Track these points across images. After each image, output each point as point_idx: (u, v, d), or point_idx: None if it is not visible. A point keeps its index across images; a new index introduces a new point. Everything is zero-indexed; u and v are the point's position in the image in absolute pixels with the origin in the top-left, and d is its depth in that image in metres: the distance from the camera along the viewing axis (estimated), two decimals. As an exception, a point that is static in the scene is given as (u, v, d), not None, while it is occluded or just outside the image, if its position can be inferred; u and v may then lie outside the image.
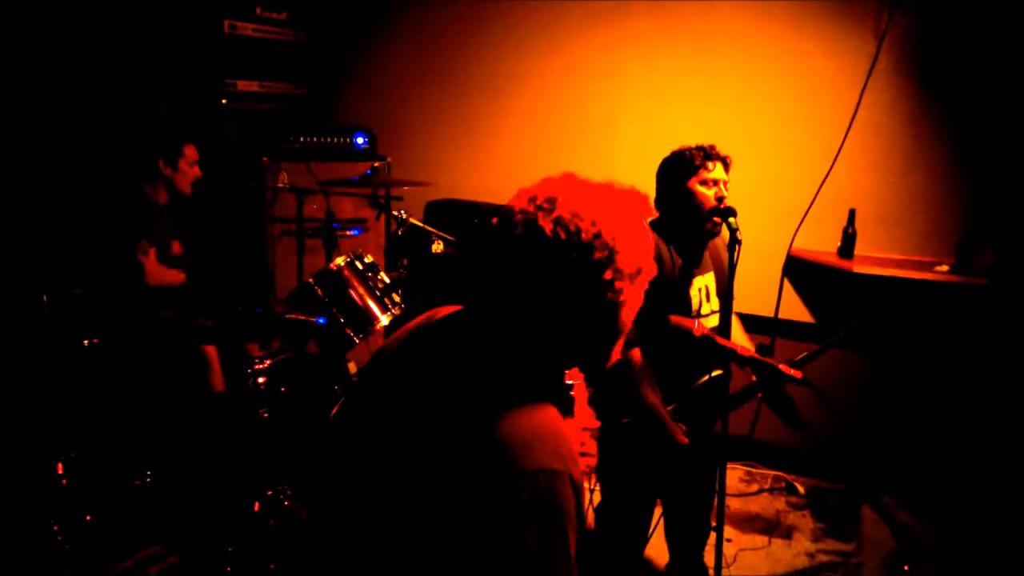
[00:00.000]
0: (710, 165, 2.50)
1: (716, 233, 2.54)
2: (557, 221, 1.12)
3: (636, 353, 2.42)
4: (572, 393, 1.53)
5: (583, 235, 1.12)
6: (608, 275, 1.13)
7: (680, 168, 2.51)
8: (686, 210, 2.49)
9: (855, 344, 3.81)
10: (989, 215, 3.64)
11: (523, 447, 1.07)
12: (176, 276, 3.58)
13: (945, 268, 3.57)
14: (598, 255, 1.12)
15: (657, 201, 2.59)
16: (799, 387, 2.46)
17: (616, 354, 1.25)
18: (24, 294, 2.94)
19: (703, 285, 2.57)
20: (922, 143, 3.76)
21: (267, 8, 4.40)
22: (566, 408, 1.37)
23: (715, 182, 2.49)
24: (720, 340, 2.41)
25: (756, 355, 2.41)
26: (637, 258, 1.17)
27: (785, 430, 3.98)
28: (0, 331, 3.04)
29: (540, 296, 1.14)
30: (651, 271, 1.20)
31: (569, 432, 1.16)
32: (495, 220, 1.19)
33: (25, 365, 2.97)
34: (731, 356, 2.41)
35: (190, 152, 3.57)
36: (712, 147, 2.54)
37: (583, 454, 1.61)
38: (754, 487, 4.01)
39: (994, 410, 3.55)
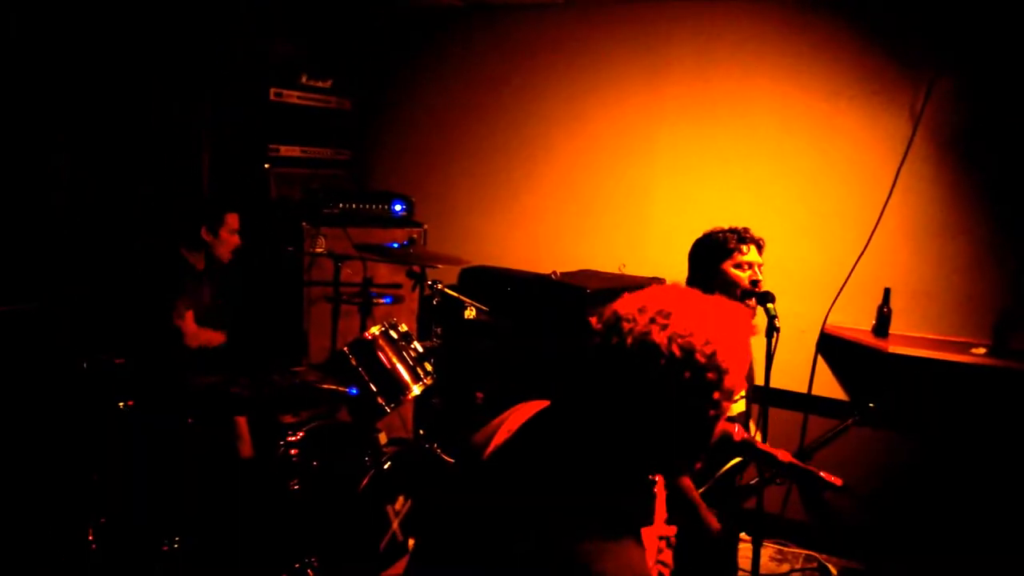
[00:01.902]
0: (744, 248, 2.50)
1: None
2: (672, 338, 1.12)
3: None
4: (655, 490, 1.53)
5: (697, 355, 1.12)
6: (716, 395, 1.14)
7: (714, 251, 2.51)
8: (720, 293, 2.50)
9: (883, 423, 3.76)
10: (1028, 297, 3.59)
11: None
12: (216, 337, 3.64)
13: (982, 351, 3.51)
14: (711, 376, 1.12)
15: (689, 281, 2.60)
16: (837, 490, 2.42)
17: (700, 464, 1.28)
18: (64, 360, 3.00)
19: None
20: (959, 222, 3.73)
21: (313, 76, 4.55)
22: (648, 512, 1.37)
23: (749, 265, 2.50)
24: (760, 445, 2.39)
25: (797, 462, 2.37)
26: (741, 377, 1.17)
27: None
28: (40, 396, 3.10)
29: (647, 410, 1.13)
30: (744, 387, 1.21)
31: (647, 564, 1.15)
32: (597, 325, 1.19)
33: (61, 428, 3.02)
34: (771, 462, 2.39)
35: (232, 220, 3.63)
36: (746, 230, 2.54)
37: (659, 562, 1.59)
38: (785, 567, 3.91)
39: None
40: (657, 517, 1.75)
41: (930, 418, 3.73)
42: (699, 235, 2.65)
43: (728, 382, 1.14)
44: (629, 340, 1.13)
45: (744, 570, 3.78)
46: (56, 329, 3.47)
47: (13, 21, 3.47)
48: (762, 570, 3.78)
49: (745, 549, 3.91)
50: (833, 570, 3.85)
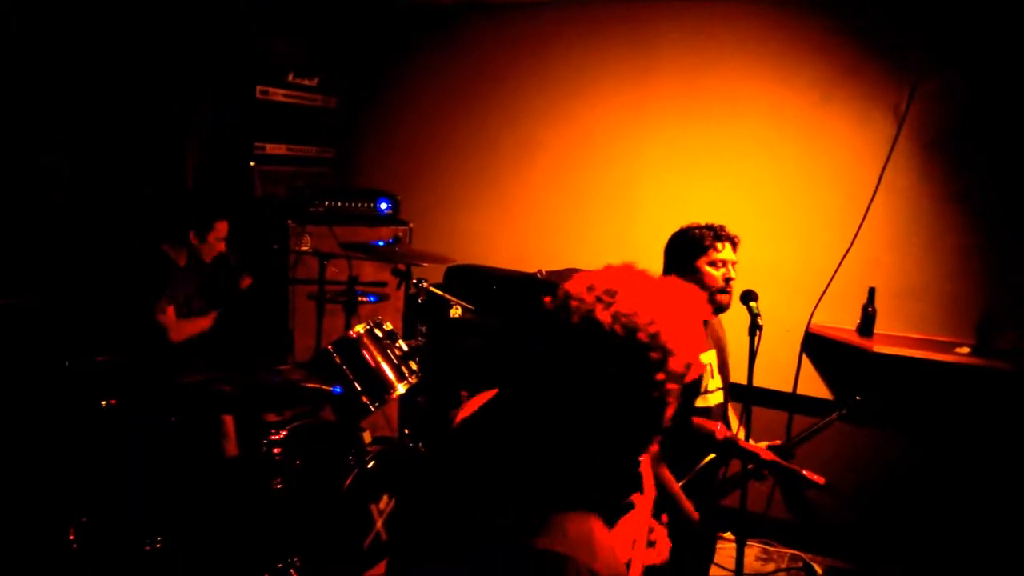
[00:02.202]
0: (719, 246, 2.52)
1: (725, 308, 2.55)
2: (616, 316, 1.11)
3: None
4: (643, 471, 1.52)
5: (640, 334, 1.11)
6: (660, 376, 1.12)
7: (690, 247, 2.53)
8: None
9: (868, 421, 3.77)
10: (1012, 297, 3.61)
11: (559, 561, 1.06)
12: (200, 324, 3.63)
13: (966, 350, 3.53)
14: (653, 356, 1.11)
15: (665, 274, 2.61)
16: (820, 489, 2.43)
17: (651, 449, 1.24)
18: (48, 358, 2.98)
19: (707, 362, 2.58)
20: (944, 222, 3.75)
21: (299, 74, 4.53)
22: (615, 491, 1.36)
23: (724, 263, 2.52)
24: (742, 443, 2.39)
25: (779, 460, 2.38)
26: (689, 360, 1.16)
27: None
28: (23, 394, 3.08)
29: (590, 389, 1.12)
30: (698, 371, 1.20)
31: (610, 542, 1.13)
32: (548, 303, 1.19)
33: (43, 427, 2.99)
34: (753, 460, 2.40)
35: (221, 228, 3.65)
36: (722, 228, 2.56)
37: (651, 543, 1.60)
38: (771, 566, 3.92)
39: (1008, 496, 3.49)
40: (646, 499, 1.74)
41: (915, 417, 3.75)
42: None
43: (673, 364, 1.12)
44: (575, 318, 1.12)
45: (728, 569, 3.80)
46: (41, 326, 3.44)
47: (13, 24, 3.45)
48: (747, 570, 3.80)
49: (729, 548, 3.93)
50: (819, 569, 3.86)
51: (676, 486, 2.39)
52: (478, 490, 1.16)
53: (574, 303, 1.14)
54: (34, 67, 3.59)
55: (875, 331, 3.77)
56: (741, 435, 2.53)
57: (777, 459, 2.36)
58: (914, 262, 3.80)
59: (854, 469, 3.82)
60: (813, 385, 4.01)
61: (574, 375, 1.13)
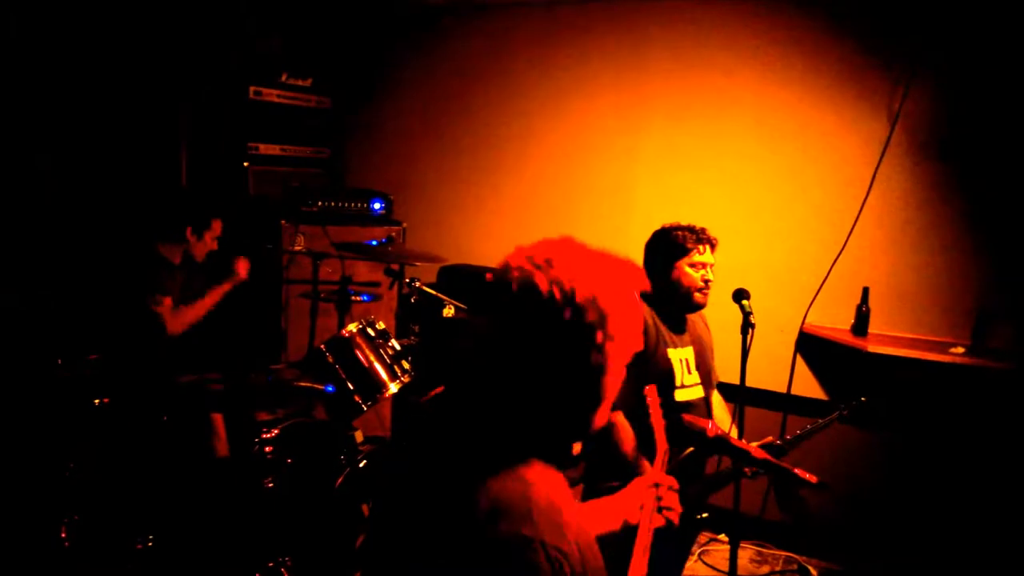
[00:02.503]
0: (700, 248, 2.57)
1: (702, 306, 2.60)
2: (553, 280, 1.13)
3: (619, 416, 2.42)
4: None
5: (578, 296, 1.12)
6: (598, 338, 1.14)
7: (671, 248, 2.58)
8: (672, 287, 2.57)
9: (862, 420, 3.77)
10: (1007, 296, 3.61)
11: (495, 516, 1.07)
12: (201, 307, 3.60)
13: (961, 350, 3.53)
14: (591, 316, 1.13)
15: (645, 271, 2.64)
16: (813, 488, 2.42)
17: (599, 422, 1.24)
18: (40, 357, 2.97)
19: (684, 357, 2.63)
20: (937, 221, 3.74)
21: (293, 75, 4.53)
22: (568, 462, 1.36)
23: (703, 265, 2.56)
24: (734, 441, 2.38)
25: (770, 458, 2.37)
26: (627, 326, 1.18)
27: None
28: (14, 392, 3.07)
29: (530, 353, 1.14)
30: (638, 343, 1.21)
31: (556, 496, 1.13)
32: (489, 276, 1.21)
33: (35, 425, 2.98)
34: (745, 458, 2.38)
35: (217, 226, 3.64)
36: (703, 230, 2.60)
37: (665, 508, 1.64)
38: (765, 568, 3.91)
39: (1003, 495, 3.48)
40: (656, 462, 1.75)
41: (909, 417, 3.74)
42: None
43: (612, 327, 1.14)
44: (514, 286, 1.14)
45: (722, 571, 3.79)
46: (34, 325, 3.43)
47: (9, 23, 3.45)
48: (741, 571, 3.80)
49: (723, 550, 3.93)
50: (813, 572, 3.85)
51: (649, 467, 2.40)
52: (436, 471, 1.19)
53: (514, 272, 1.15)
54: (27, 66, 3.58)
55: (869, 331, 3.76)
56: (734, 433, 2.53)
57: (769, 457, 2.35)
58: (908, 261, 3.80)
59: (848, 470, 3.81)
60: (807, 385, 4.01)
61: (514, 342, 1.15)
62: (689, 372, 2.63)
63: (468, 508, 1.08)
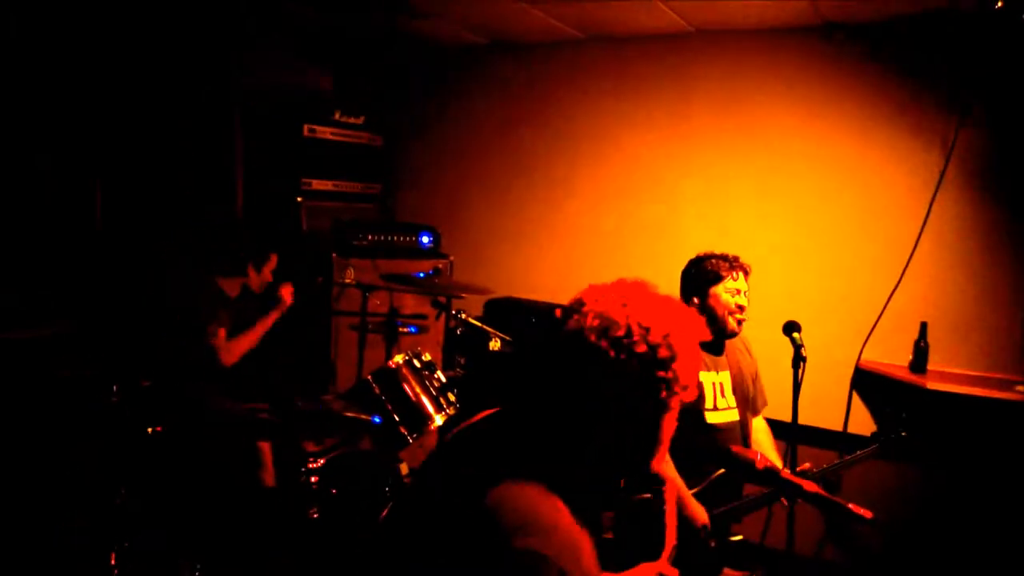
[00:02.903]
0: (734, 275, 2.65)
1: (736, 333, 2.66)
2: (630, 315, 1.17)
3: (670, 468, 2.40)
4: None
5: (652, 334, 1.16)
6: (669, 374, 1.17)
7: (706, 275, 2.67)
8: (707, 312, 2.63)
9: (912, 455, 3.62)
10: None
11: (492, 523, 1.09)
12: (252, 336, 3.64)
13: (1025, 388, 3.39)
14: (663, 353, 1.16)
15: (682, 297, 2.74)
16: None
17: (658, 464, 1.25)
18: (98, 384, 3.06)
19: (718, 381, 2.67)
20: (996, 255, 3.62)
21: (345, 113, 4.65)
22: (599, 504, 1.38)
23: (737, 291, 2.64)
24: (785, 474, 2.32)
25: (824, 492, 2.30)
26: (692, 369, 1.20)
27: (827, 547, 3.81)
28: (69, 418, 3.16)
29: (605, 385, 1.16)
30: (695, 391, 1.22)
31: (576, 533, 1.14)
32: (559, 313, 1.24)
33: (88, 451, 3.05)
34: (796, 491, 2.32)
35: (274, 260, 3.79)
36: (736, 258, 2.69)
37: None
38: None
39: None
40: (663, 557, 1.70)
41: (970, 456, 3.58)
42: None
43: (679, 368, 1.17)
44: (589, 318, 1.18)
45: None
46: (91, 353, 3.54)
47: (54, 58, 3.63)
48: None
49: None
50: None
51: (682, 486, 2.36)
52: (454, 472, 1.23)
53: (588, 306, 1.20)
54: (96, 93, 3.75)
55: (928, 367, 3.64)
56: (779, 464, 2.47)
57: (821, 491, 2.28)
58: (966, 296, 3.67)
59: (904, 509, 3.66)
60: (864, 423, 3.88)
61: (588, 374, 1.17)
62: (723, 396, 2.67)
63: (492, 519, 1.09)
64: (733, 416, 2.68)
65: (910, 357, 3.68)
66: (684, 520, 2.30)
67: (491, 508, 1.10)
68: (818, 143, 3.97)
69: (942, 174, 3.66)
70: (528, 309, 4.22)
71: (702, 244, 4.17)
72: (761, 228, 4.09)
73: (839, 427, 3.87)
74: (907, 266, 3.71)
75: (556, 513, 1.14)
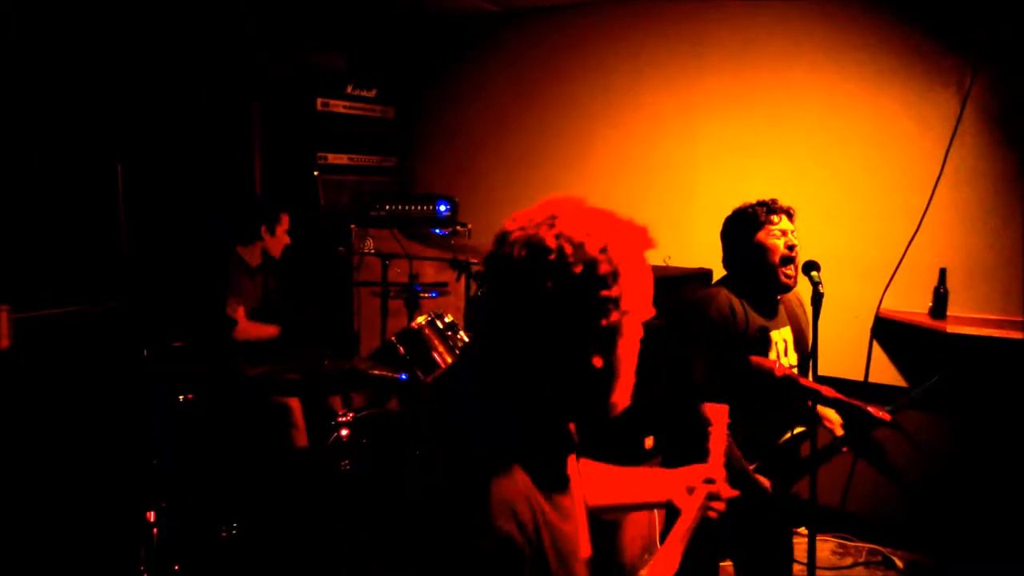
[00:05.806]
0: (775, 219, 2.49)
1: (790, 287, 2.50)
2: (560, 235, 1.06)
3: (710, 407, 2.38)
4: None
5: (588, 248, 1.05)
6: (615, 291, 1.06)
7: (746, 224, 2.51)
8: (757, 264, 2.48)
9: (942, 405, 3.63)
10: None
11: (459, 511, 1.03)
12: (268, 330, 3.76)
13: (1047, 328, 3.39)
14: (604, 268, 1.05)
15: (725, 260, 2.60)
16: (889, 430, 2.36)
17: (621, 400, 1.14)
18: (130, 353, 3.14)
19: (781, 339, 2.54)
20: (1013, 198, 3.62)
21: (358, 86, 4.69)
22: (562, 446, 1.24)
23: (783, 232, 2.48)
24: (803, 380, 2.34)
25: (841, 396, 2.32)
26: (640, 283, 1.10)
27: (879, 500, 3.83)
28: (107, 388, 3.24)
29: (541, 318, 1.05)
30: (649, 310, 1.12)
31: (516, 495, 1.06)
32: (493, 241, 1.13)
33: (126, 417, 3.13)
34: (815, 397, 2.33)
35: (285, 220, 3.87)
36: (774, 200, 2.53)
37: (713, 496, 1.50)
38: (848, 560, 3.79)
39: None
40: (715, 449, 1.65)
41: (994, 402, 3.59)
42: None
43: (624, 283, 1.07)
44: (517, 247, 1.06)
45: (802, 563, 3.69)
46: (128, 326, 3.63)
47: (80, 43, 3.70)
48: (823, 563, 3.69)
49: (802, 543, 3.82)
50: (899, 563, 3.72)
51: (740, 455, 2.35)
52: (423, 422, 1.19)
53: (516, 234, 1.08)
54: (99, 81, 3.82)
55: (948, 313, 3.64)
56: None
57: (840, 396, 2.29)
58: (984, 241, 3.67)
59: (934, 459, 3.68)
60: (886, 373, 3.89)
61: (522, 308, 1.06)
62: (786, 354, 2.53)
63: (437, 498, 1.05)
64: (793, 359, 2.56)
65: (930, 304, 3.69)
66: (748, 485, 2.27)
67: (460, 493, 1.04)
68: (831, 96, 3.96)
69: (958, 121, 3.65)
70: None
71: (720, 206, 4.21)
72: (777, 181, 4.08)
73: (860, 377, 3.88)
74: (925, 213, 3.71)
75: (514, 487, 1.05)
